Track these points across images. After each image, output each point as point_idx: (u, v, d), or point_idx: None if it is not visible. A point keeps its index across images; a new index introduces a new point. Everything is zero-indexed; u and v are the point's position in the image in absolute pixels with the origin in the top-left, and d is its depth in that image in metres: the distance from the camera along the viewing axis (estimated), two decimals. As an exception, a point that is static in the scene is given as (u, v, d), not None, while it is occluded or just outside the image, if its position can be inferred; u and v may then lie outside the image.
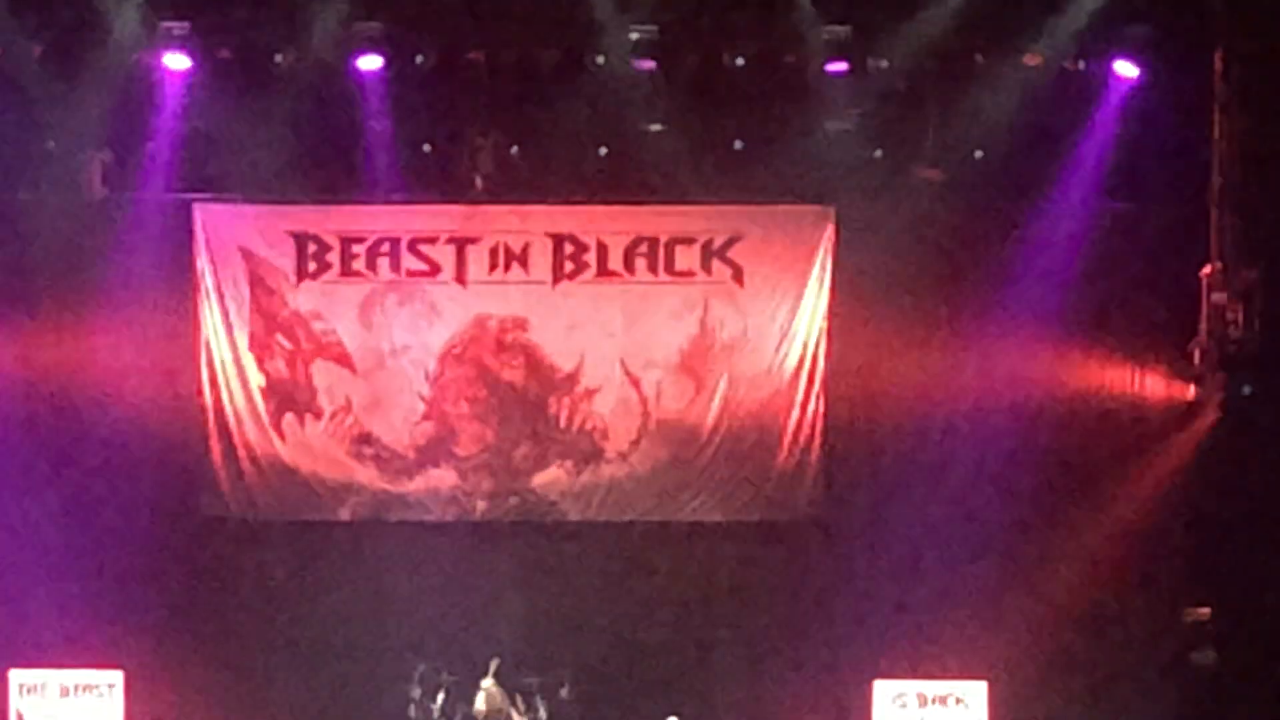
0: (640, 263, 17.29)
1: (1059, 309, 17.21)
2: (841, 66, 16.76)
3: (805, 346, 17.32)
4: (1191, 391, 17.38)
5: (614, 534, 17.40)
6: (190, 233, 17.18)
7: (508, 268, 17.25)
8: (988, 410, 17.31)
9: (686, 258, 17.29)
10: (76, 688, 16.66)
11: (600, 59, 16.80)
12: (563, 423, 17.39)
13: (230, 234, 17.24)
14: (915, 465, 17.29)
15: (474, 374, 17.37)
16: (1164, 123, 16.79)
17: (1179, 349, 17.28)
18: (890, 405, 17.37)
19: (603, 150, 17.24)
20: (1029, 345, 17.34)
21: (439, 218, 17.31)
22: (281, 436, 17.35)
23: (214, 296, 17.23)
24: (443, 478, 17.36)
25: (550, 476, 17.41)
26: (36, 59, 16.60)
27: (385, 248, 17.25)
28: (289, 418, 17.35)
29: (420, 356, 17.33)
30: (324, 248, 17.25)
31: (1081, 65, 16.99)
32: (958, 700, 16.75)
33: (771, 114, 17.01)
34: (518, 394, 17.41)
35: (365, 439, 17.33)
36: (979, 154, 17.15)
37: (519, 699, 16.47)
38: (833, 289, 17.25)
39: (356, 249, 17.25)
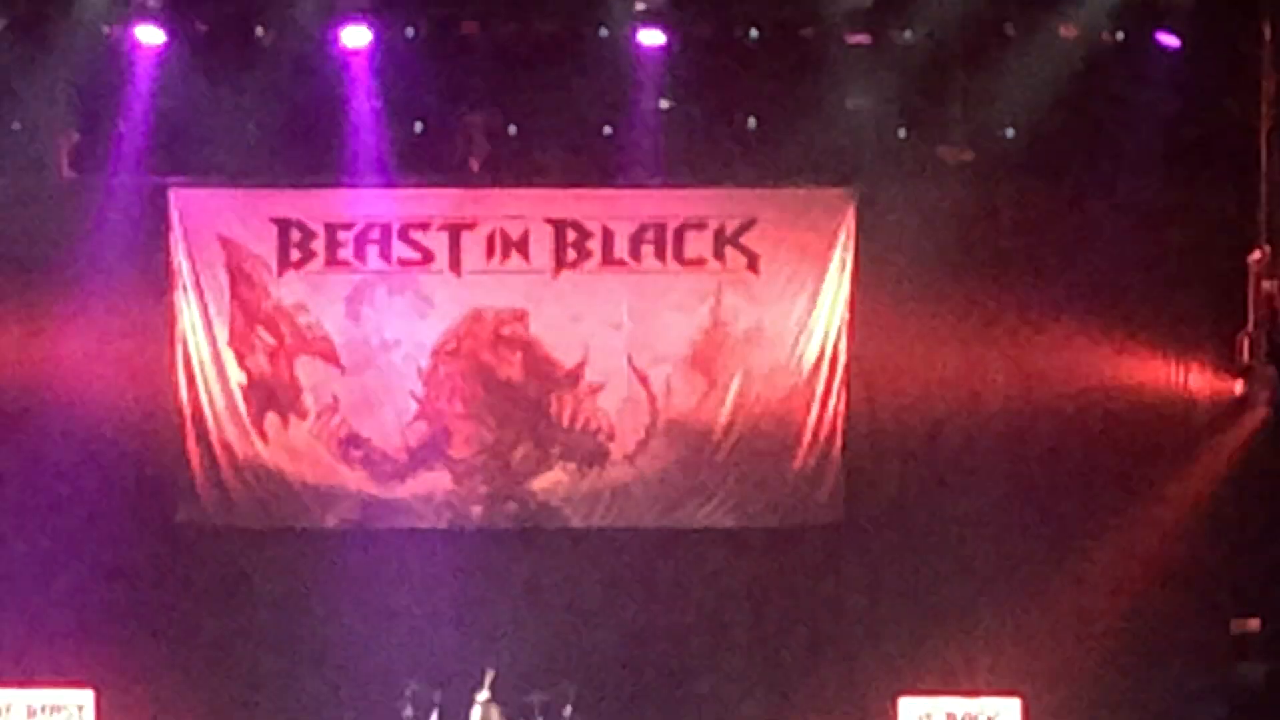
0: (648, 250, 16.88)
1: (1095, 298, 16.90)
2: (863, 39, 16.47)
3: (825, 340, 16.89)
4: (1239, 386, 16.96)
5: (620, 542, 16.98)
6: (165, 219, 16.79)
7: (505, 256, 16.84)
8: (1020, 408, 17.01)
9: (697, 245, 16.88)
10: (45, 708, 16.23)
11: (604, 31, 16.54)
12: (565, 422, 16.96)
13: (208, 220, 16.85)
14: (942, 467, 17.00)
15: (470, 370, 16.96)
16: (1207, 97, 16.48)
17: (1225, 340, 16.90)
18: (916, 402, 17.00)
19: (607, 129, 16.89)
20: (1064, 338, 16.99)
21: (431, 202, 16.94)
22: (263, 438, 16.92)
23: (190, 288, 16.84)
24: (436, 482, 16.95)
25: (551, 480, 16.99)
26: (0, 33, 16.19)
27: (374, 235, 16.89)
28: (271, 418, 16.93)
29: (412, 352, 16.94)
30: (308, 235, 16.87)
31: (1120, 36, 16.64)
32: (989, 718, 16.29)
33: (788, 90, 16.70)
34: (516, 392, 16.99)
35: (353, 440, 16.92)
36: (1010, 133, 16.87)
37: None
38: (854, 278, 16.85)
39: (343, 236, 16.89)
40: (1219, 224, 16.70)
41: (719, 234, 16.84)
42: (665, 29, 16.33)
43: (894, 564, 16.89)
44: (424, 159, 16.89)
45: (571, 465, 16.94)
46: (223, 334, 16.83)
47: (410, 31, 16.50)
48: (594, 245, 16.82)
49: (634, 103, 16.60)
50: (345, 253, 16.83)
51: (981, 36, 16.43)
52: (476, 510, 16.96)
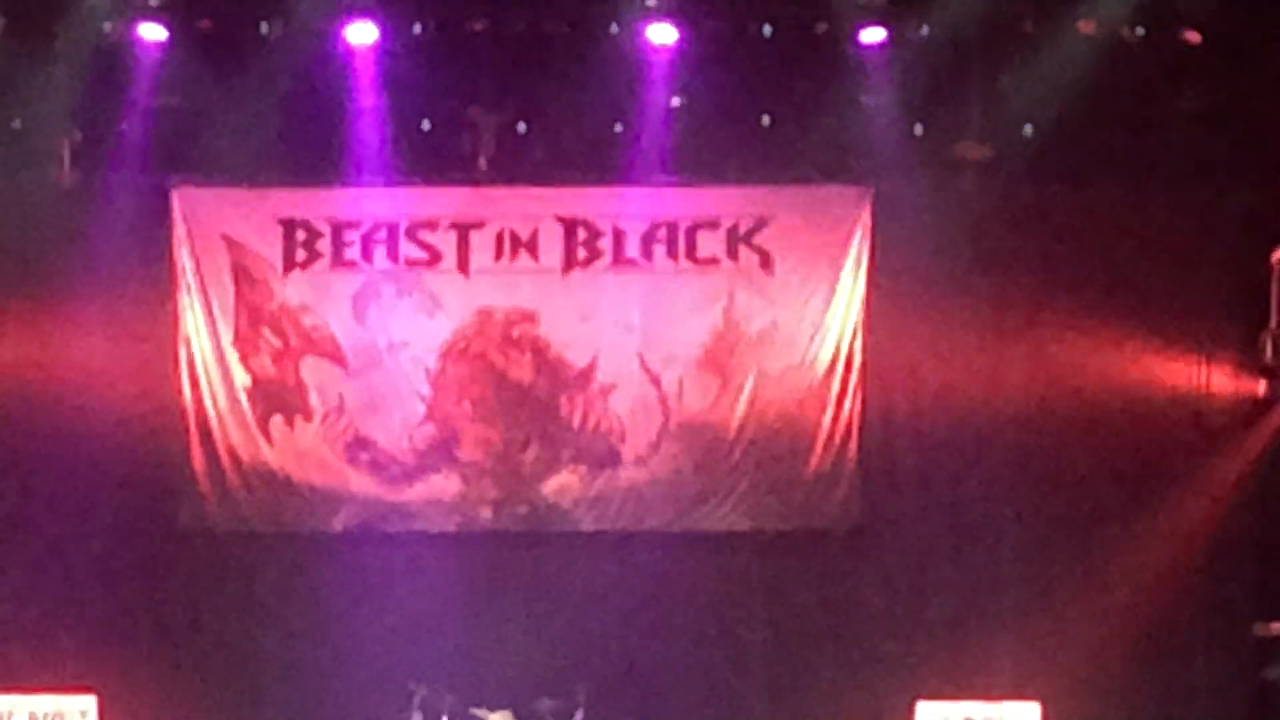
0: (659, 250, 16.73)
1: (1115, 297, 16.74)
2: (879, 35, 16.29)
3: (840, 340, 16.73)
4: (1261, 386, 16.89)
5: (632, 545, 16.84)
6: (168, 219, 16.63)
7: (515, 255, 16.70)
8: (1038, 409, 16.84)
9: (710, 244, 16.72)
10: (47, 715, 16.14)
11: (614, 27, 16.39)
12: (575, 424, 16.83)
13: (212, 220, 16.70)
14: (960, 469, 16.85)
15: (478, 371, 16.83)
16: (1229, 94, 16.24)
17: (1247, 340, 16.85)
18: (932, 404, 16.86)
19: (618, 127, 16.71)
20: (1082, 338, 16.82)
21: (439, 201, 16.79)
22: (269, 440, 16.79)
23: (194, 288, 16.70)
24: (445, 485, 16.82)
25: (562, 482, 16.86)
26: (1, 31, 16.13)
27: (381, 235, 16.74)
28: (277, 420, 16.80)
29: (419, 353, 16.80)
30: (314, 235, 16.72)
31: (1140, 33, 16.47)
32: (1008, 723, 16.33)
33: (802, 87, 16.58)
34: (526, 393, 16.86)
35: (360, 443, 16.79)
36: (1028, 130, 16.66)
37: (530, 727, 16.11)
38: (869, 277, 16.67)
39: (349, 236, 16.74)
40: (1241, 222, 16.56)
41: (732, 233, 16.69)
42: (677, 25, 16.17)
43: (911, 566, 16.78)
44: (431, 157, 16.76)
45: (582, 467, 16.81)
46: (227, 335, 16.71)
47: (417, 28, 16.38)
48: (604, 244, 16.68)
49: (645, 100, 16.44)
50: (351, 252, 16.70)
51: (999, 32, 16.27)
52: (486, 513, 16.84)
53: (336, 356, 16.71)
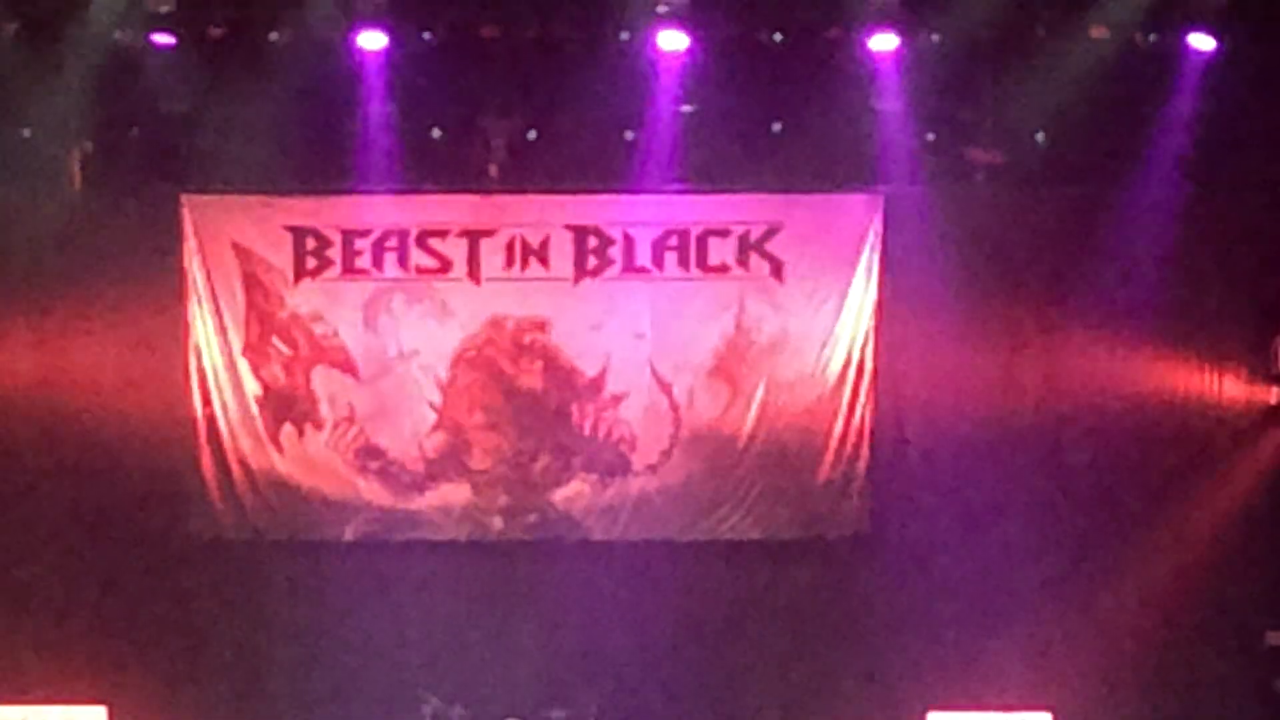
0: (670, 257, 16.67)
1: (1128, 305, 16.66)
2: (890, 41, 16.14)
3: (851, 348, 16.66)
4: (1273, 394, 16.84)
5: (642, 553, 16.78)
6: (178, 228, 16.59)
7: (525, 263, 16.64)
8: (1050, 417, 16.81)
9: (721, 251, 16.67)
10: None
11: (625, 34, 16.23)
12: (586, 432, 16.77)
13: (222, 229, 16.65)
14: (971, 477, 16.74)
15: (489, 380, 16.77)
16: (1243, 99, 16.08)
17: (1259, 348, 16.83)
18: (944, 412, 16.77)
19: (628, 134, 16.61)
20: (1095, 345, 16.78)
21: (450, 209, 16.73)
22: (279, 449, 16.74)
23: (205, 297, 16.67)
24: (455, 493, 16.78)
25: (573, 491, 16.80)
26: (9, 39, 16.02)
27: (391, 242, 16.68)
28: (288, 429, 16.76)
29: (430, 361, 16.75)
30: (324, 243, 16.67)
31: (1152, 38, 16.32)
32: (1020, 732, 16.24)
33: (813, 93, 16.40)
34: (537, 401, 16.80)
35: (371, 451, 16.76)
36: (1040, 136, 16.65)
37: (541, 737, 16.05)
38: (881, 284, 16.61)
39: (360, 244, 16.68)
40: (1254, 229, 16.53)
41: (743, 240, 16.63)
42: (687, 32, 16.05)
43: (922, 576, 16.68)
44: (442, 165, 16.70)
45: (593, 476, 16.75)
46: (238, 344, 16.66)
47: (428, 36, 16.26)
48: (615, 252, 16.62)
49: (655, 107, 16.36)
50: (362, 261, 16.64)
51: (1011, 38, 16.14)
52: (496, 522, 16.79)
53: (347, 365, 16.67)
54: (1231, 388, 16.92)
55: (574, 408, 16.74)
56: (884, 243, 16.53)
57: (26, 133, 16.45)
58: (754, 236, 16.62)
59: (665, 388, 16.66)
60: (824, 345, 16.64)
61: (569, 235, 16.60)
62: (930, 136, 16.67)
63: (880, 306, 16.60)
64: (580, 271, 16.62)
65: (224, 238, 16.58)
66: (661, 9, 16.05)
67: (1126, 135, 16.33)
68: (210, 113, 16.23)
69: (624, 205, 16.69)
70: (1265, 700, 16.49)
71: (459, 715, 15.96)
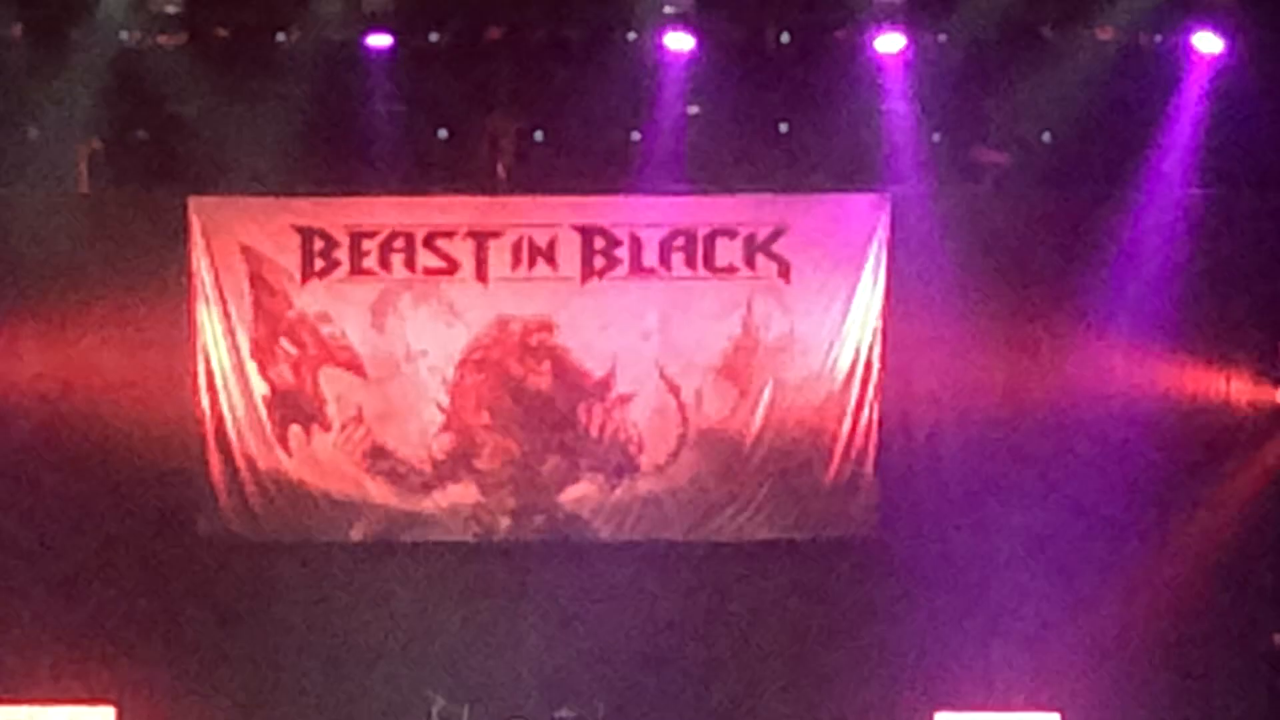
0: (677, 258, 16.60)
1: (1135, 306, 16.53)
2: (897, 42, 16.14)
3: (858, 348, 16.62)
4: None
5: (650, 554, 16.75)
6: (185, 228, 16.53)
7: (532, 264, 16.59)
8: (1057, 418, 16.68)
9: (728, 252, 16.59)
10: None
11: (632, 35, 16.23)
12: (594, 433, 16.73)
13: (229, 229, 16.58)
14: (979, 478, 16.67)
15: (496, 380, 16.74)
16: (1251, 100, 15.99)
17: (1266, 348, 16.75)
18: (952, 413, 16.71)
19: (635, 135, 16.56)
20: (1102, 346, 16.68)
21: (457, 210, 16.66)
22: (287, 450, 16.71)
23: (212, 298, 16.61)
24: (463, 494, 16.73)
25: (580, 492, 16.76)
26: (17, 39, 16.05)
27: (399, 243, 16.61)
28: (295, 430, 16.72)
29: (437, 362, 16.69)
30: (332, 244, 16.60)
31: (1158, 39, 16.29)
32: (1027, 734, 16.22)
33: (820, 94, 16.35)
34: (544, 402, 16.75)
35: (378, 452, 16.72)
36: (1047, 137, 16.54)
37: (550, 736, 16.02)
38: (888, 285, 16.55)
39: (367, 245, 16.61)
40: (1262, 231, 16.47)
41: (750, 241, 16.57)
42: (694, 33, 16.07)
43: (930, 577, 16.61)
44: (449, 166, 16.64)
45: (601, 477, 16.71)
46: (245, 344, 16.61)
47: (435, 37, 16.26)
48: (622, 253, 16.56)
49: (662, 108, 16.32)
50: (369, 261, 16.57)
51: (1018, 39, 16.14)
52: (504, 523, 16.74)
53: (354, 366, 16.62)
54: (1239, 389, 16.84)
55: (581, 408, 16.69)
56: (891, 243, 16.46)
57: (33, 133, 16.40)
58: (761, 237, 16.56)
59: (673, 388, 16.61)
60: (831, 346, 16.59)
61: (576, 236, 16.54)
62: (937, 137, 16.60)
63: (887, 307, 16.54)
64: (587, 272, 16.57)
65: (231, 239, 16.53)
66: (668, 10, 16.08)
67: (1133, 136, 16.27)
68: (218, 114, 16.17)
69: (631, 206, 16.64)
70: (1273, 701, 16.45)
71: (466, 715, 15.96)
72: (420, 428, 16.69)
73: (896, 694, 16.51)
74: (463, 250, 16.56)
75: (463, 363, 16.66)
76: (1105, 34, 16.10)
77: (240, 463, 16.65)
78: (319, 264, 16.58)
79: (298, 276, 16.58)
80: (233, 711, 16.54)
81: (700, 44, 16.13)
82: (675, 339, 16.61)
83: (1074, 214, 16.61)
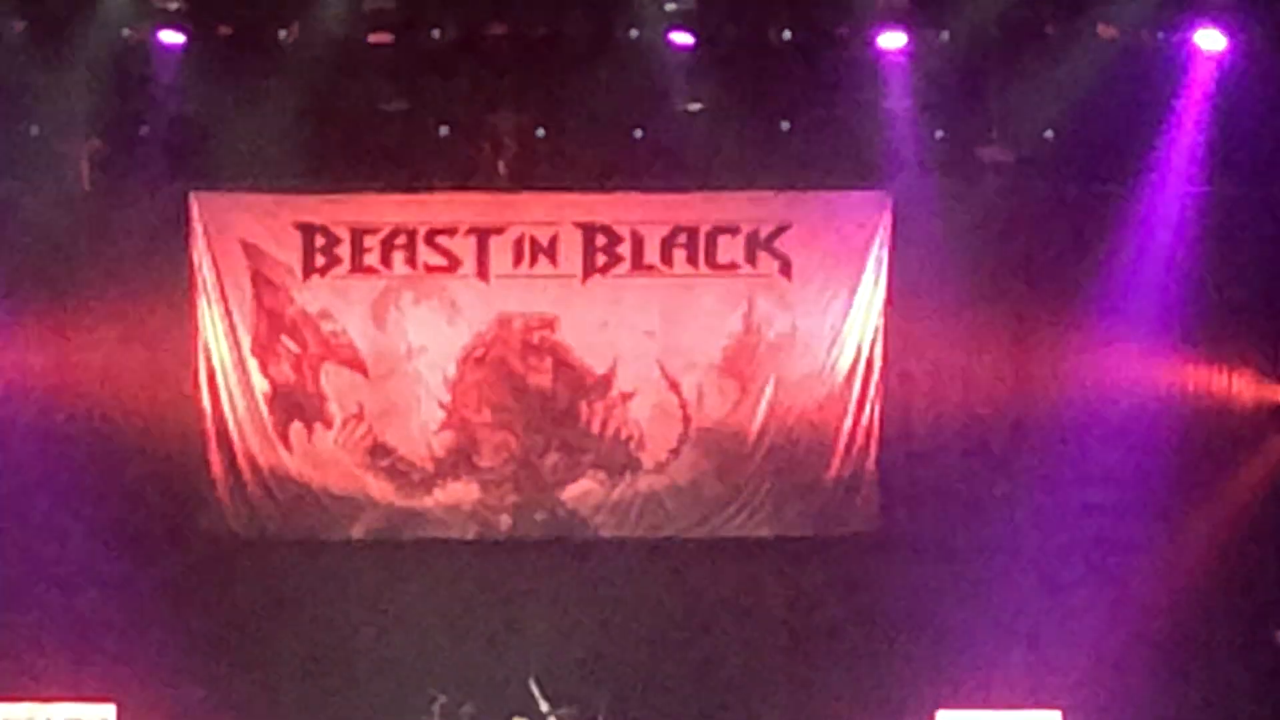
0: (679, 255, 16.61)
1: (1137, 302, 16.51)
2: (899, 39, 16.15)
3: (860, 346, 16.61)
4: None
5: (652, 552, 16.74)
6: (187, 225, 16.54)
7: (534, 261, 16.59)
8: (1058, 416, 16.67)
9: (729, 249, 16.60)
10: None
11: (634, 33, 16.21)
12: (595, 430, 16.71)
13: (230, 226, 16.59)
14: (980, 475, 16.69)
15: (498, 377, 16.72)
16: (1253, 97, 16.00)
17: (1268, 346, 16.78)
18: (953, 409, 16.75)
19: (637, 132, 16.61)
20: (1104, 344, 16.63)
21: (458, 207, 16.67)
22: (288, 447, 16.70)
23: (214, 295, 16.61)
24: (464, 491, 16.73)
25: (582, 489, 16.75)
26: (19, 37, 15.97)
27: (400, 240, 16.62)
28: (296, 427, 16.71)
29: (439, 359, 16.69)
30: (333, 240, 16.61)
31: (1161, 36, 16.26)
32: (1029, 732, 16.16)
33: (821, 91, 16.41)
34: (546, 399, 16.75)
35: (379, 449, 16.69)
36: (1049, 134, 16.56)
37: (550, 733, 15.96)
38: (889, 282, 16.55)
39: (369, 242, 16.62)
40: (1264, 228, 16.44)
41: (751, 238, 16.56)
42: (696, 30, 16.07)
43: (932, 574, 16.55)
44: (451, 163, 16.63)
45: (602, 474, 16.69)
46: (246, 341, 16.60)
47: (437, 34, 16.22)
48: (624, 250, 16.55)
49: (664, 105, 16.33)
50: (371, 258, 16.56)
51: (1020, 36, 16.09)
52: (505, 520, 16.72)
53: (356, 363, 16.60)
54: (1241, 387, 16.85)
55: (583, 406, 16.68)
56: (893, 240, 16.45)
57: (35, 130, 16.40)
58: (763, 234, 16.56)
59: (674, 385, 16.60)
60: (833, 343, 16.58)
61: (578, 233, 16.54)
62: (939, 134, 16.58)
63: (889, 304, 16.54)
64: (589, 269, 16.56)
65: (233, 235, 16.52)
66: (670, 7, 16.08)
67: (1136, 134, 16.24)
68: (220, 110, 16.15)
69: (633, 203, 16.63)
70: (1275, 699, 16.43)
71: (468, 712, 15.87)
72: (421, 425, 16.66)
73: (898, 691, 16.45)
74: (464, 247, 16.55)
75: (464, 360, 16.64)
76: (1108, 31, 16.05)
77: (241, 460, 16.63)
78: (320, 261, 16.57)
79: (299, 273, 16.57)
80: (234, 708, 16.46)
81: (702, 41, 16.12)
82: (677, 336, 16.60)
83: (1076, 211, 16.60)
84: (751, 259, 16.57)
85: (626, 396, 16.64)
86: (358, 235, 16.56)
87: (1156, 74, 16.13)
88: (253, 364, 16.63)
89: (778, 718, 16.58)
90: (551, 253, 16.53)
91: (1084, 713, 16.16)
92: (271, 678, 16.55)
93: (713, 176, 16.49)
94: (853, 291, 16.55)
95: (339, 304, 16.60)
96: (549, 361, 16.67)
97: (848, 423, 16.59)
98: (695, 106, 16.40)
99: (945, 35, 16.18)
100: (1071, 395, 16.65)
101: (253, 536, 16.70)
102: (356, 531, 16.72)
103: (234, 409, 16.62)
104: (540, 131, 16.65)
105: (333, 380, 16.64)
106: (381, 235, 16.56)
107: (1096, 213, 16.52)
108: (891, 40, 16.07)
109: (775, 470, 16.65)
